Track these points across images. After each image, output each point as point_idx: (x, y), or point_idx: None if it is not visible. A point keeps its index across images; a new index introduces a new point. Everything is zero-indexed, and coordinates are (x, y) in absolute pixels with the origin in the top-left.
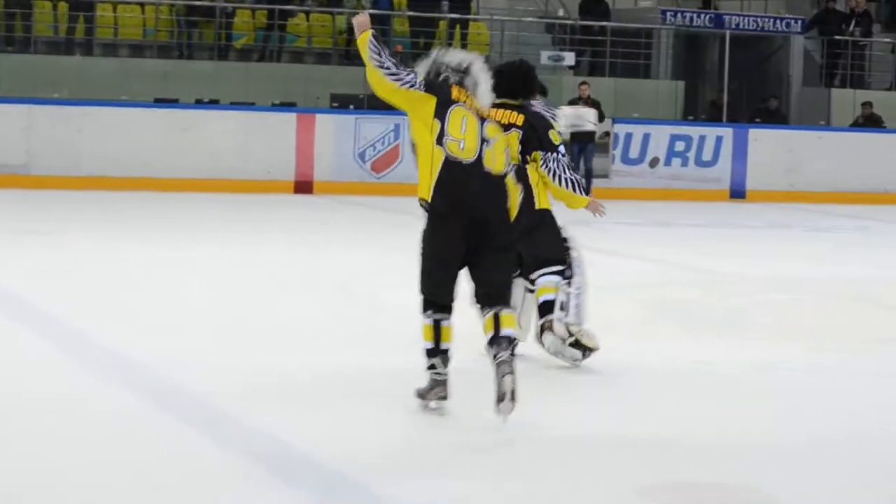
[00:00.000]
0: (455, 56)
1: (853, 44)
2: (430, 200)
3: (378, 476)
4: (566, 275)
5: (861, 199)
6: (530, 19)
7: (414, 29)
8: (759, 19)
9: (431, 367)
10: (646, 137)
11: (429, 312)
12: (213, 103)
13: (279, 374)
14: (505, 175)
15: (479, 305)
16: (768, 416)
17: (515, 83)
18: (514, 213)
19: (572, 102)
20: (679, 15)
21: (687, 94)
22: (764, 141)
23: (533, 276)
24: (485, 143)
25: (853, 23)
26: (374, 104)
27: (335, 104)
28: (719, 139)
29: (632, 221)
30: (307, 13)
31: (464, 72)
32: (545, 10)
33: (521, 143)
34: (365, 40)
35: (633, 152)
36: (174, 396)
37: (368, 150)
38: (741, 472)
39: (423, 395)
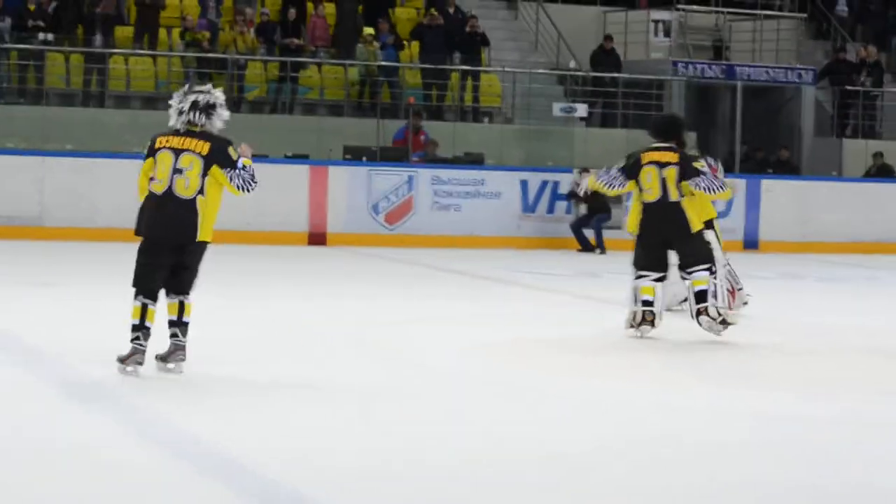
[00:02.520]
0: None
1: (864, 94)
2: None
3: None
4: (711, 270)
5: (874, 249)
6: (542, 71)
7: (426, 81)
8: (770, 70)
9: (136, 338)
10: None
11: (139, 297)
12: None
13: (291, 425)
14: (195, 201)
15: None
16: (780, 465)
17: (664, 129)
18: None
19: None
20: (691, 66)
21: (699, 145)
22: (777, 191)
23: (689, 270)
24: (177, 174)
25: (864, 73)
26: (387, 156)
27: (348, 156)
28: None
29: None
30: (319, 65)
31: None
32: (556, 62)
33: (679, 174)
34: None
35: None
36: (188, 446)
37: (382, 202)
38: None
39: (123, 360)
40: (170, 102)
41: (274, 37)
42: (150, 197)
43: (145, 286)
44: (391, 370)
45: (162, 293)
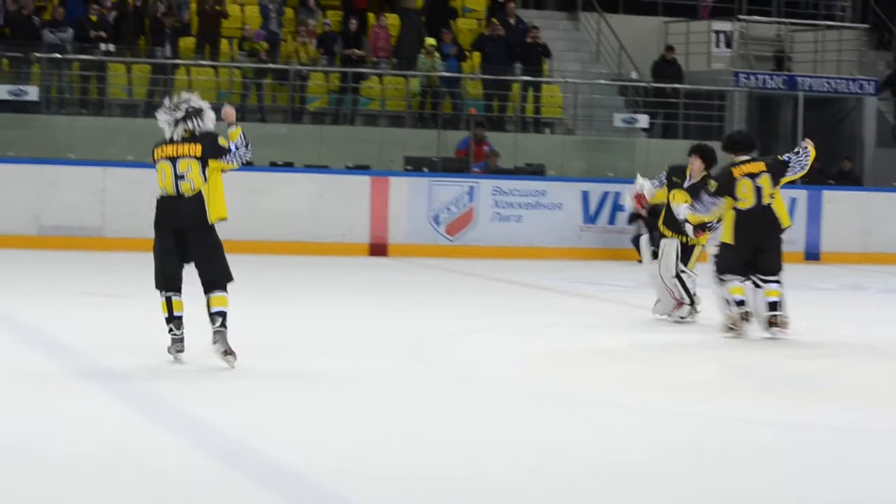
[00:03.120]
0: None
1: None
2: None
3: None
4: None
5: None
6: (603, 82)
7: (487, 92)
8: (831, 81)
9: (170, 330)
10: None
11: (162, 293)
12: (288, 166)
13: (344, 433)
14: (200, 192)
15: (204, 290)
16: (841, 480)
17: (747, 143)
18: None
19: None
20: (752, 77)
21: (761, 156)
22: (838, 202)
23: (765, 280)
24: (179, 180)
25: None
26: (449, 167)
27: (409, 167)
28: (794, 201)
29: (708, 283)
30: (380, 76)
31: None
32: (618, 73)
33: (772, 179)
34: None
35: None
36: (246, 455)
37: (443, 213)
38: None
39: (169, 350)
40: (158, 117)
41: (335, 48)
42: (160, 200)
43: (163, 281)
44: (448, 380)
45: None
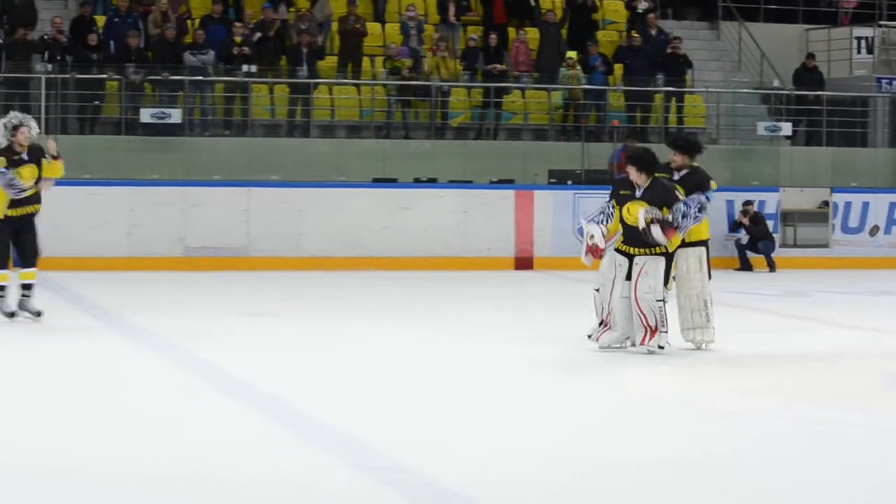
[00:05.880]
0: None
1: None
2: None
3: None
4: None
5: None
6: (745, 90)
7: (629, 103)
8: None
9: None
10: (865, 206)
11: None
12: (431, 182)
13: (511, 459)
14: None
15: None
16: None
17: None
18: None
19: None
20: (894, 82)
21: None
22: None
23: None
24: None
25: None
26: (593, 179)
27: (553, 180)
28: None
29: (852, 291)
30: (522, 90)
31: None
32: (760, 81)
33: None
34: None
35: (853, 221)
36: (403, 475)
37: None
38: None
39: None
40: None
41: (476, 63)
42: None
43: None
44: (577, 389)
45: None
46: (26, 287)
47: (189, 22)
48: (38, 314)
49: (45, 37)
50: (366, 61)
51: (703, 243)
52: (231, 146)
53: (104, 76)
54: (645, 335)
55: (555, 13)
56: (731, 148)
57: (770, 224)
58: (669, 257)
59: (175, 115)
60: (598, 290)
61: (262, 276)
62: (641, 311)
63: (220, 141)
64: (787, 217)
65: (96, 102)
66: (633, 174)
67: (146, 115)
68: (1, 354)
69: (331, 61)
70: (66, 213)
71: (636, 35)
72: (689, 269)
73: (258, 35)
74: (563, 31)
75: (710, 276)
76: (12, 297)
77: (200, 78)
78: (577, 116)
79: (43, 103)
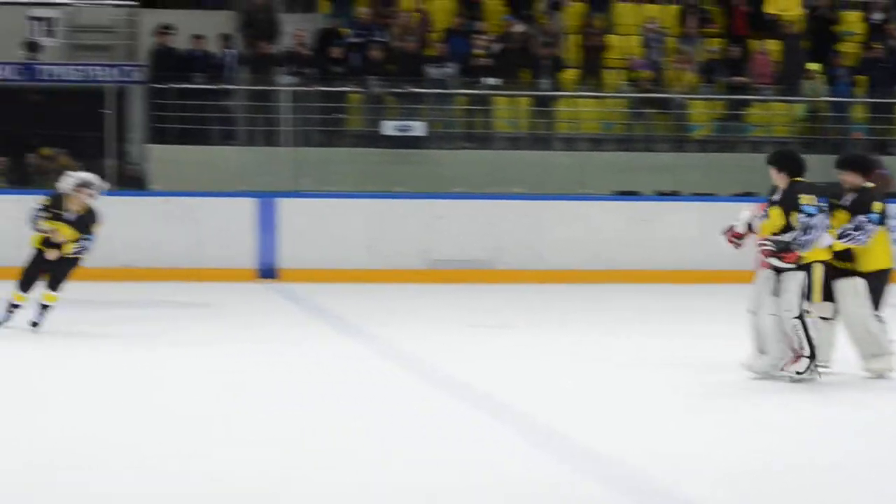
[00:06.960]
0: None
1: None
2: None
3: None
4: None
5: None
6: None
7: (873, 115)
8: None
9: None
10: None
11: None
12: (674, 194)
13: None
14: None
15: None
16: None
17: None
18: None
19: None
20: None
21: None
22: None
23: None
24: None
25: None
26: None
27: None
28: None
29: None
30: (764, 101)
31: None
32: None
33: None
34: None
35: None
36: (652, 494)
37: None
38: None
39: None
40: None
41: (715, 75)
42: None
43: None
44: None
45: None
46: (44, 307)
47: (431, 35)
48: (34, 325)
49: (287, 50)
50: (607, 74)
51: (859, 273)
52: (473, 158)
53: (347, 89)
54: (791, 359)
55: (795, 25)
56: None
57: None
58: (809, 269)
59: (419, 128)
60: (754, 313)
61: (506, 289)
62: (786, 333)
63: (462, 154)
64: None
65: (339, 115)
66: (774, 174)
67: (390, 128)
68: (252, 364)
69: (572, 73)
70: (308, 224)
71: (875, 46)
72: (844, 299)
73: (500, 47)
74: (805, 43)
75: (876, 307)
76: (32, 311)
77: (442, 91)
78: (819, 129)
79: (291, 115)
